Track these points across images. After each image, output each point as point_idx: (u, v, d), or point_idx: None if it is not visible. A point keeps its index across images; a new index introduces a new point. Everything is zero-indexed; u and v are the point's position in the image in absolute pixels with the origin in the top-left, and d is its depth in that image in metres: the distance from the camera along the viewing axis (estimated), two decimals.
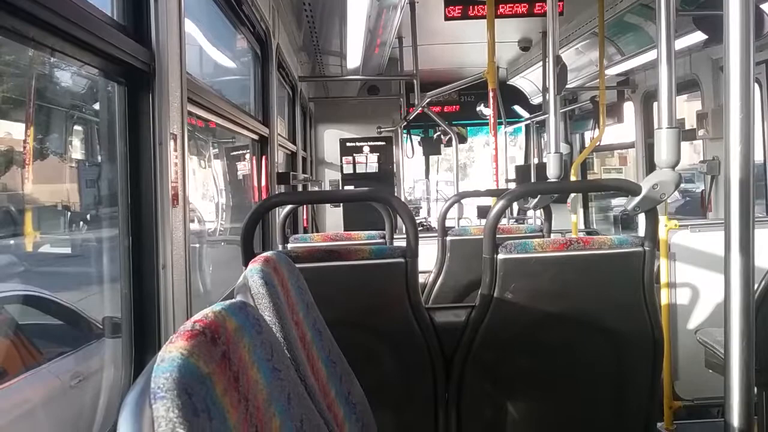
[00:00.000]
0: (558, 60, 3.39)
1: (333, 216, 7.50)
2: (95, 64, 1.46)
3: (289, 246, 3.37)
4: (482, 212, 8.25)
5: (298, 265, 1.72)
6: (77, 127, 2.49)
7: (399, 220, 5.17)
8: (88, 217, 2.53)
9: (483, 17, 4.57)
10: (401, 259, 2.22)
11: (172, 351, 0.79)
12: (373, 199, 2.89)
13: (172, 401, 0.72)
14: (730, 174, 1.20)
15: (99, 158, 2.37)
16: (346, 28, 4.48)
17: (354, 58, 5.37)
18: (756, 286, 2.20)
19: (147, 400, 0.73)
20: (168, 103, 1.69)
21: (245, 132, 3.34)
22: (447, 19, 5.08)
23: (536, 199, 3.46)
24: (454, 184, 7.32)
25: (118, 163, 1.67)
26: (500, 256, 2.18)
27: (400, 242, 3.04)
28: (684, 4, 4.11)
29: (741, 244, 1.21)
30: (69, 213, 2.51)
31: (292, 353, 1.31)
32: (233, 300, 1.08)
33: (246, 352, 0.98)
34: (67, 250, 2.68)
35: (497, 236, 2.23)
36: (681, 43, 4.33)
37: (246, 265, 2.13)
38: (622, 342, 2.26)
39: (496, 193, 4.08)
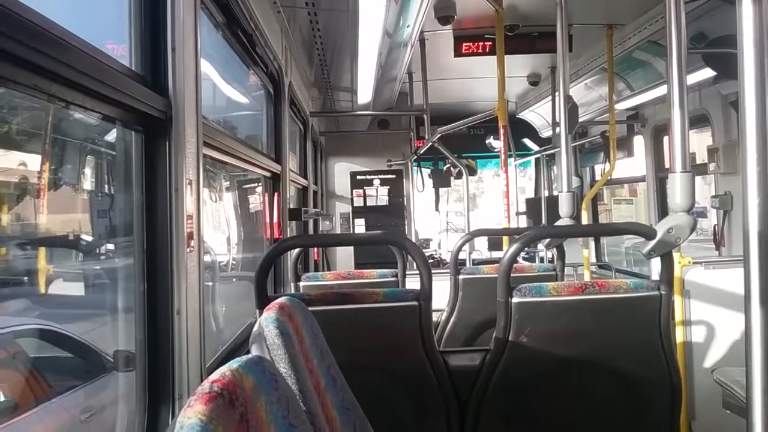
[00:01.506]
0: (569, 99, 3.41)
1: (344, 250, 7.50)
2: (114, 114, 1.48)
3: (302, 284, 3.37)
4: (493, 244, 8.23)
5: (311, 308, 1.72)
6: (91, 169, 2.51)
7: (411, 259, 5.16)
8: (99, 252, 2.54)
9: (492, 54, 4.61)
10: (415, 302, 2.21)
11: (191, 417, 0.79)
12: (387, 242, 2.89)
13: None
14: (748, 214, 1.19)
15: (115, 203, 2.39)
16: (357, 65, 4.52)
17: (365, 93, 5.42)
18: None
19: None
20: (184, 150, 1.71)
21: (258, 170, 3.37)
22: (457, 55, 5.12)
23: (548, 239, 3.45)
24: (463, 214, 7.31)
25: (135, 208, 1.69)
26: (515, 300, 2.17)
27: (412, 278, 3.03)
28: (693, 41, 4.13)
29: (761, 285, 1.20)
30: (82, 254, 2.52)
31: (307, 405, 1.30)
32: (249, 356, 1.08)
33: (263, 411, 0.98)
34: (80, 290, 2.69)
35: (510, 275, 2.23)
36: (690, 79, 4.34)
37: (260, 307, 2.14)
38: (639, 386, 2.24)
39: (508, 232, 4.07)
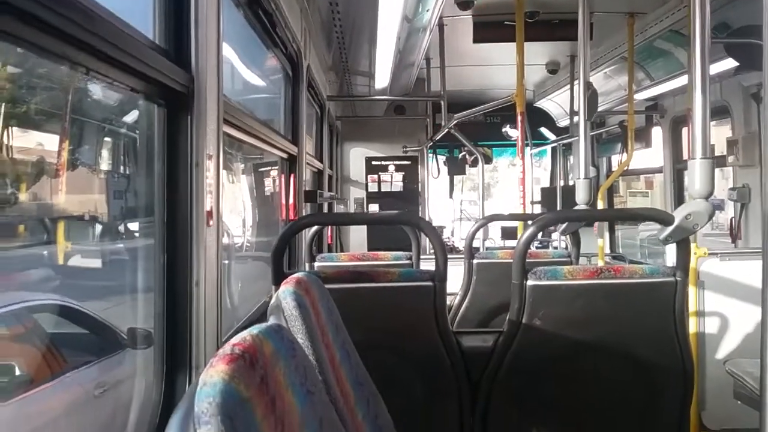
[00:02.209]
0: (588, 86, 3.39)
1: (357, 234, 7.52)
2: (138, 87, 1.50)
3: (316, 265, 3.40)
4: (506, 233, 8.22)
5: (326, 286, 1.74)
6: (110, 146, 2.53)
7: (425, 241, 5.17)
8: (121, 230, 2.57)
9: (512, 41, 4.59)
10: (430, 283, 2.22)
11: (213, 375, 0.81)
12: (402, 222, 2.91)
13: (216, 427, 0.73)
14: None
15: (136, 178, 2.41)
16: (376, 49, 4.52)
17: (382, 78, 5.42)
18: None
19: (191, 424, 0.74)
20: (205, 125, 1.73)
21: (275, 151, 3.38)
22: (476, 41, 5.10)
23: (565, 225, 3.46)
24: (477, 203, 7.32)
25: (156, 182, 1.71)
26: (529, 282, 2.17)
27: (426, 263, 3.04)
28: (715, 31, 4.09)
29: None
30: (101, 227, 2.55)
31: (323, 376, 1.32)
32: (269, 323, 1.09)
33: (281, 376, 0.99)
34: (98, 263, 2.72)
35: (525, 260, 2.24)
36: (712, 70, 4.28)
37: (276, 284, 2.16)
38: (652, 373, 2.24)
39: (524, 218, 4.07)
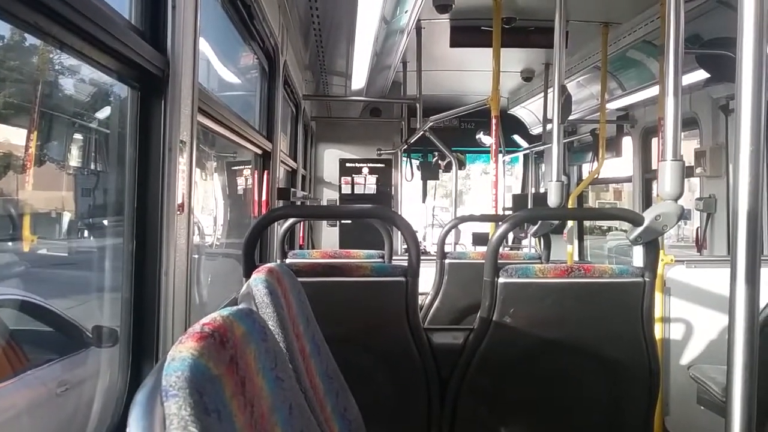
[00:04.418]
0: (563, 90, 3.43)
1: (329, 235, 7.49)
2: (112, 66, 1.46)
3: (288, 261, 3.37)
4: (477, 239, 8.26)
5: (298, 279, 1.72)
6: (80, 135, 2.48)
7: (396, 242, 5.15)
8: (90, 222, 2.51)
9: (488, 46, 4.62)
10: (402, 278, 2.22)
11: (182, 351, 0.79)
12: (377, 216, 2.90)
13: (184, 399, 0.72)
14: (738, 206, 1.20)
15: (104, 164, 2.36)
16: (353, 50, 4.52)
17: (358, 79, 5.41)
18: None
19: (158, 398, 0.72)
20: (179, 110, 1.70)
21: (249, 146, 3.35)
22: (452, 45, 5.12)
23: (536, 226, 3.49)
24: (450, 210, 7.35)
25: (127, 167, 1.67)
26: (501, 280, 2.18)
27: (398, 263, 3.03)
28: (687, 42, 4.17)
29: (747, 276, 1.21)
30: (68, 218, 2.49)
31: (294, 364, 1.31)
32: (240, 306, 1.08)
33: (252, 359, 0.98)
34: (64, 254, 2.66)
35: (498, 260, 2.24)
36: (682, 81, 4.37)
37: (247, 276, 2.13)
38: (619, 373, 2.26)
39: (496, 218, 4.10)
